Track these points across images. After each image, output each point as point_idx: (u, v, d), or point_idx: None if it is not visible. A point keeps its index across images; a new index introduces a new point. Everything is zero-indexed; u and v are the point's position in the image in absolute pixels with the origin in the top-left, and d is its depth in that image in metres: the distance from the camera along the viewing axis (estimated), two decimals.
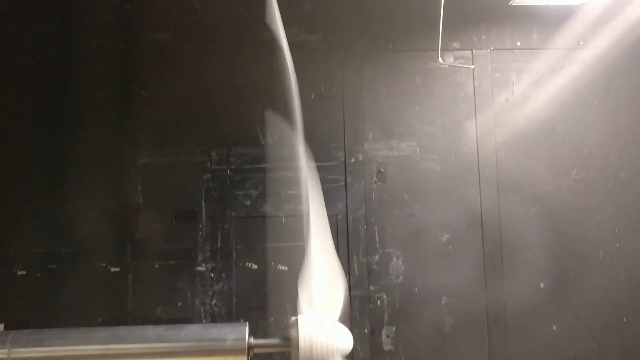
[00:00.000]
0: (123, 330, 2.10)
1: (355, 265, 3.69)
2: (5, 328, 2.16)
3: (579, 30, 3.89)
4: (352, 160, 3.76)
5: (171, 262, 3.63)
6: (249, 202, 3.70)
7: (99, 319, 3.55)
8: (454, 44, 3.87)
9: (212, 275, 3.64)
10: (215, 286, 3.63)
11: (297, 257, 2.18)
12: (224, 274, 3.64)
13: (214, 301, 3.62)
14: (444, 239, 3.75)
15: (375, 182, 3.77)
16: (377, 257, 3.71)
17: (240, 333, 2.03)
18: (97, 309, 3.57)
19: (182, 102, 3.73)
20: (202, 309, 3.62)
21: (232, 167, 3.72)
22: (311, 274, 2.17)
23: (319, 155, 3.66)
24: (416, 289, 3.71)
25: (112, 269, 3.60)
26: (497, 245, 3.76)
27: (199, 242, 3.65)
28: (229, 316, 3.60)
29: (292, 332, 2.02)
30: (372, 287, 3.69)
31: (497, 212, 3.77)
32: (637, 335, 3.76)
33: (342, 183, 3.74)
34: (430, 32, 3.74)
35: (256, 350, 2.06)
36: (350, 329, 2.13)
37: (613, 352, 3.75)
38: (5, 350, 2.00)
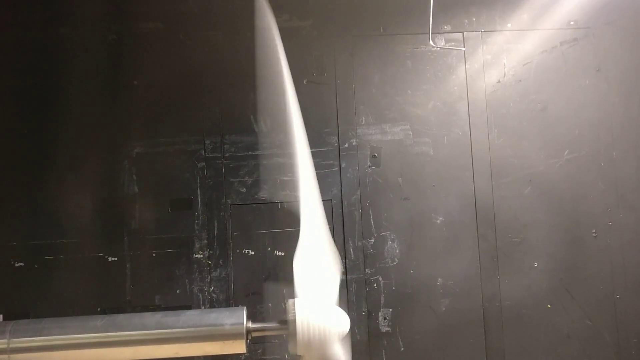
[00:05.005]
0: (121, 318, 2.12)
1: (351, 249, 3.71)
2: (4, 319, 2.17)
3: (570, 10, 3.89)
4: (346, 145, 3.77)
5: (168, 251, 3.65)
6: (244, 190, 3.71)
7: (98, 309, 3.57)
8: (445, 27, 3.86)
9: (210, 263, 3.66)
10: (212, 273, 3.66)
11: (293, 242, 2.19)
12: (221, 261, 3.66)
13: (212, 288, 3.65)
14: (438, 222, 3.78)
15: (369, 166, 3.78)
16: (372, 241, 3.74)
17: (238, 317, 2.06)
18: (95, 299, 3.59)
19: (175, 90, 3.72)
20: (201, 296, 3.64)
21: (227, 154, 3.72)
22: (307, 259, 2.19)
23: (312, 141, 3.67)
24: (412, 271, 3.74)
25: (110, 259, 3.62)
26: (491, 226, 3.79)
27: (195, 230, 3.67)
28: (227, 302, 3.63)
29: (290, 316, 2.04)
30: (368, 270, 3.72)
31: (490, 193, 3.80)
32: (630, 312, 3.80)
33: (336, 168, 3.76)
34: (420, 16, 3.75)
35: (254, 334, 2.09)
36: (347, 312, 2.15)
37: (606, 329, 3.79)
38: (5, 340, 2.02)
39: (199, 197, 3.69)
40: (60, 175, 3.63)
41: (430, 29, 3.67)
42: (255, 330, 2.08)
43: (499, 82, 3.87)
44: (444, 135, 3.83)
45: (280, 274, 3.61)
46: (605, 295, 3.80)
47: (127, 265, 3.62)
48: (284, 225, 3.63)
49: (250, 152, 3.72)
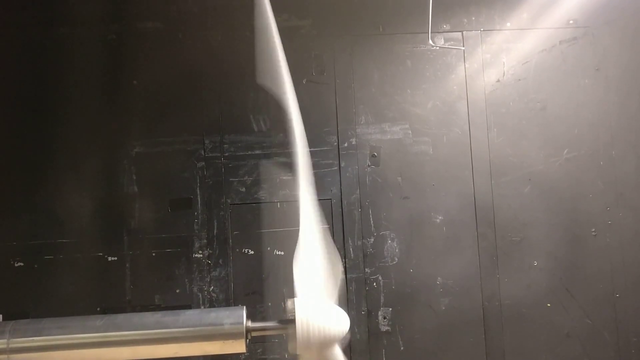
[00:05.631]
0: (121, 318, 2.11)
1: (351, 249, 3.71)
2: (4, 319, 2.17)
3: (569, 10, 3.89)
4: (345, 144, 3.77)
5: (168, 250, 3.65)
6: (243, 189, 3.71)
7: (97, 309, 3.57)
8: (444, 26, 3.86)
9: (209, 262, 3.66)
10: (212, 273, 3.66)
11: (292, 241, 2.19)
12: (220, 261, 3.66)
13: (211, 287, 3.65)
14: (438, 221, 3.78)
15: (369, 165, 3.78)
16: (372, 240, 3.74)
17: (238, 317, 2.05)
18: (95, 299, 3.59)
19: (174, 90, 3.72)
20: (200, 295, 3.64)
21: (226, 154, 3.72)
22: (306, 258, 2.19)
23: (312, 140, 3.68)
24: (411, 270, 3.74)
25: (110, 259, 3.62)
26: (490, 225, 3.79)
27: (195, 230, 3.67)
28: (227, 302, 3.63)
29: (290, 315, 2.04)
30: (367, 270, 3.72)
31: (489, 192, 3.80)
32: (629, 311, 3.80)
33: (336, 167, 3.76)
34: (420, 15, 3.74)
35: (254, 334, 2.08)
36: (347, 311, 2.15)
37: (606, 328, 3.79)
38: (5, 340, 2.01)
39: (198, 196, 3.69)
40: (60, 175, 3.63)
41: (430, 28, 3.68)
42: (254, 329, 2.07)
43: (498, 81, 3.87)
44: (444, 135, 3.83)
45: (279, 273, 3.61)
46: (604, 294, 3.80)
47: (127, 265, 3.62)
48: (284, 224, 3.63)
49: (249, 152, 3.72)
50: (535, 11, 3.89)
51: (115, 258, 3.62)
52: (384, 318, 3.71)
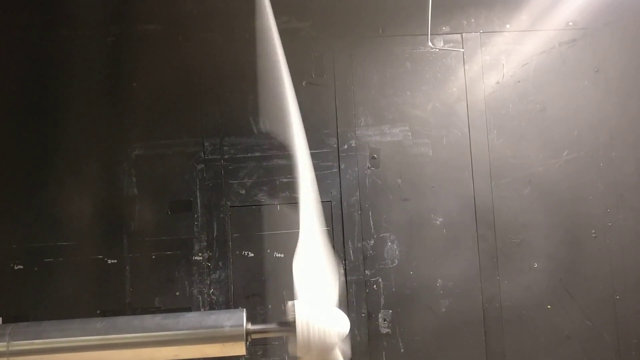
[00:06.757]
0: (121, 320, 2.11)
1: (351, 251, 3.71)
2: (4, 321, 2.16)
3: (568, 11, 3.90)
4: (345, 146, 3.77)
5: (168, 253, 3.64)
6: (243, 191, 3.71)
7: (97, 311, 3.57)
8: (444, 28, 3.87)
9: (209, 265, 3.66)
10: (212, 275, 3.65)
11: (292, 244, 2.19)
12: (220, 263, 3.66)
13: (211, 290, 3.65)
14: (438, 223, 3.78)
15: (369, 167, 3.78)
16: (372, 242, 3.74)
17: (238, 319, 2.05)
18: (95, 301, 3.58)
19: (174, 92, 3.72)
20: (200, 298, 3.64)
21: (226, 156, 3.72)
22: (306, 260, 2.19)
23: (311, 143, 3.67)
24: (411, 272, 3.74)
25: (109, 261, 3.62)
26: (490, 227, 3.79)
27: (194, 232, 3.67)
28: (227, 304, 3.63)
29: (290, 318, 2.04)
30: (367, 272, 3.72)
31: (489, 194, 3.80)
32: (629, 313, 3.80)
33: (336, 169, 3.76)
34: (419, 17, 3.75)
35: (254, 336, 2.08)
36: (347, 313, 2.15)
37: (606, 329, 3.79)
38: (4, 343, 2.01)
39: (198, 199, 3.69)
40: (60, 178, 3.63)
41: (429, 30, 3.68)
42: (255, 332, 2.07)
43: (497, 83, 3.88)
44: (443, 136, 3.83)
45: (279, 275, 3.61)
46: (605, 296, 3.80)
47: (127, 268, 3.62)
48: (284, 226, 3.63)
49: (249, 154, 3.72)
50: (534, 13, 3.90)
51: (115, 260, 3.62)
52: (384, 320, 3.71)
